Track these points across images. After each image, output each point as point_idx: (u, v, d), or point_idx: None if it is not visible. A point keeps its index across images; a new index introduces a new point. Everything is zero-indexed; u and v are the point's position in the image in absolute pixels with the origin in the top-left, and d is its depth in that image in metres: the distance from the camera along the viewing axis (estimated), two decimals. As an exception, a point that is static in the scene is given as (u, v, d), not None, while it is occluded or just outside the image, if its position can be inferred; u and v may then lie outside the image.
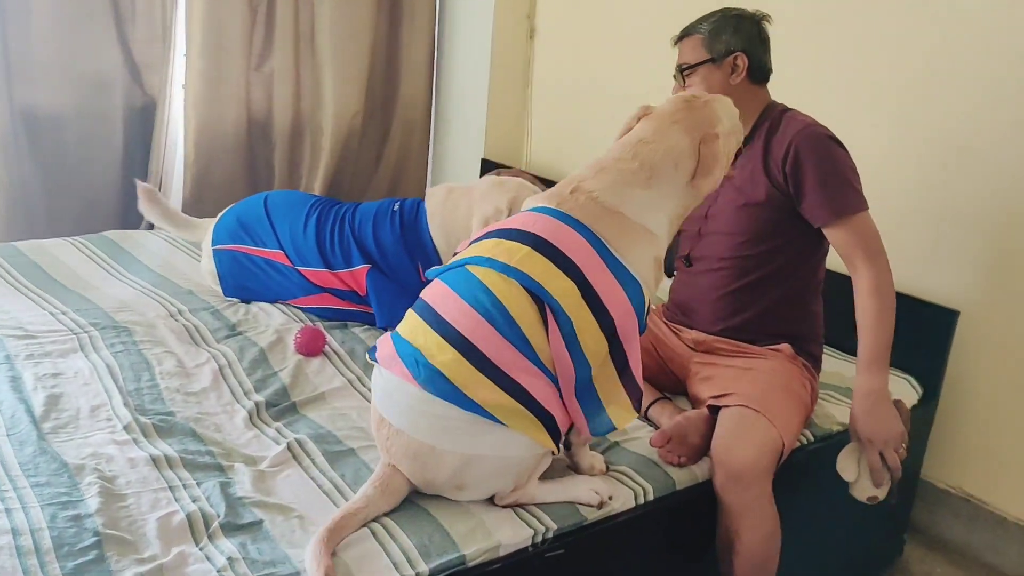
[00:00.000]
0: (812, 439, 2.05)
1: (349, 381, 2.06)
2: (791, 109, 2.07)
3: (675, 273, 2.26)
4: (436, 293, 1.61)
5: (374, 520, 1.53)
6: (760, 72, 2.07)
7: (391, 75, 3.96)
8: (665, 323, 2.24)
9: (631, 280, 1.59)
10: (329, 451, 1.74)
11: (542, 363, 1.54)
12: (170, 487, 1.57)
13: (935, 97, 2.41)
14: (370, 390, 1.76)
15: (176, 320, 2.27)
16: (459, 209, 2.33)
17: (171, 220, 2.69)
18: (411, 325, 1.60)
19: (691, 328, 2.16)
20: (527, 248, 1.57)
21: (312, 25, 3.64)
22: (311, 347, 2.14)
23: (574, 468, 1.75)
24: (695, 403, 2.06)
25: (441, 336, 1.53)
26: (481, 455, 1.53)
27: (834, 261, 2.04)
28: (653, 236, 1.65)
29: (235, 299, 2.45)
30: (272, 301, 2.43)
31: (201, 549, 1.43)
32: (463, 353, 1.50)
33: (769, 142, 2.00)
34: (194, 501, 1.53)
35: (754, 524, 1.76)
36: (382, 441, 1.59)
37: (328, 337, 2.22)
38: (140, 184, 2.68)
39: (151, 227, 3.35)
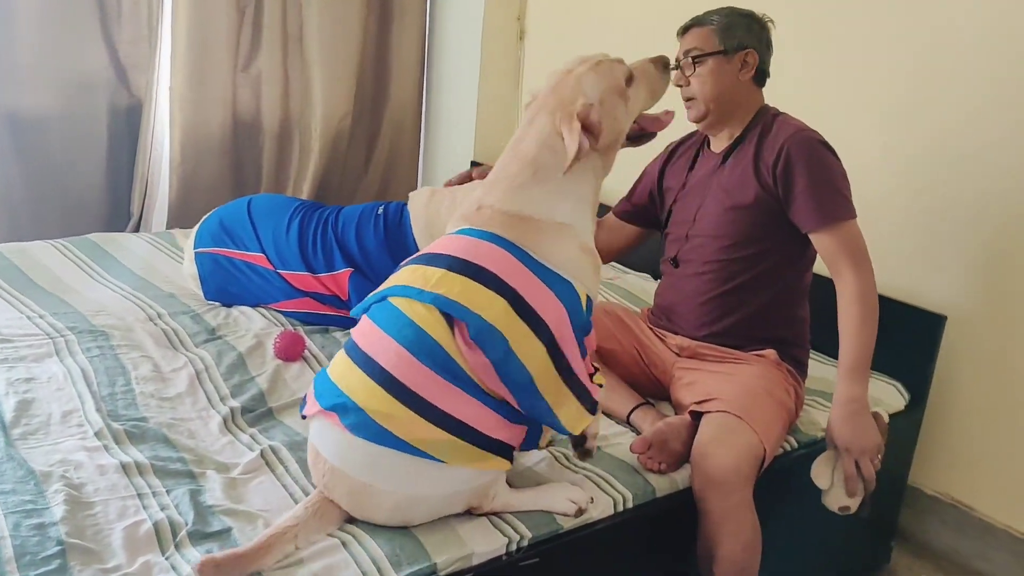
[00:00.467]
0: (796, 446, 2.03)
1: (328, 386, 2.04)
2: (783, 113, 2.05)
3: (661, 276, 2.23)
4: (362, 329, 1.57)
5: (341, 530, 1.51)
6: (762, 74, 2.06)
7: (381, 76, 3.94)
8: (650, 327, 2.21)
9: (559, 281, 1.55)
10: (303, 458, 1.70)
11: (477, 386, 1.48)
12: (139, 495, 1.54)
13: (925, 101, 2.39)
14: None
15: (155, 324, 2.25)
16: (442, 211, 2.30)
17: None
18: (340, 366, 1.54)
19: (675, 333, 2.14)
20: (442, 270, 1.51)
21: (300, 26, 3.62)
22: (290, 352, 2.11)
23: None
24: (678, 409, 2.04)
25: (368, 376, 1.46)
26: (421, 495, 1.49)
27: (821, 264, 2.02)
28: (568, 228, 1.60)
29: (216, 303, 2.43)
30: (253, 305, 2.41)
31: (167, 559, 1.40)
32: (392, 392, 1.44)
33: (761, 145, 1.99)
34: (163, 509, 1.51)
35: (734, 532, 1.74)
36: (318, 477, 1.52)
37: (308, 342, 2.20)
38: None
39: (137, 229, 3.35)
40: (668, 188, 2.22)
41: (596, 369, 1.68)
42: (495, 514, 1.59)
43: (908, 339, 2.32)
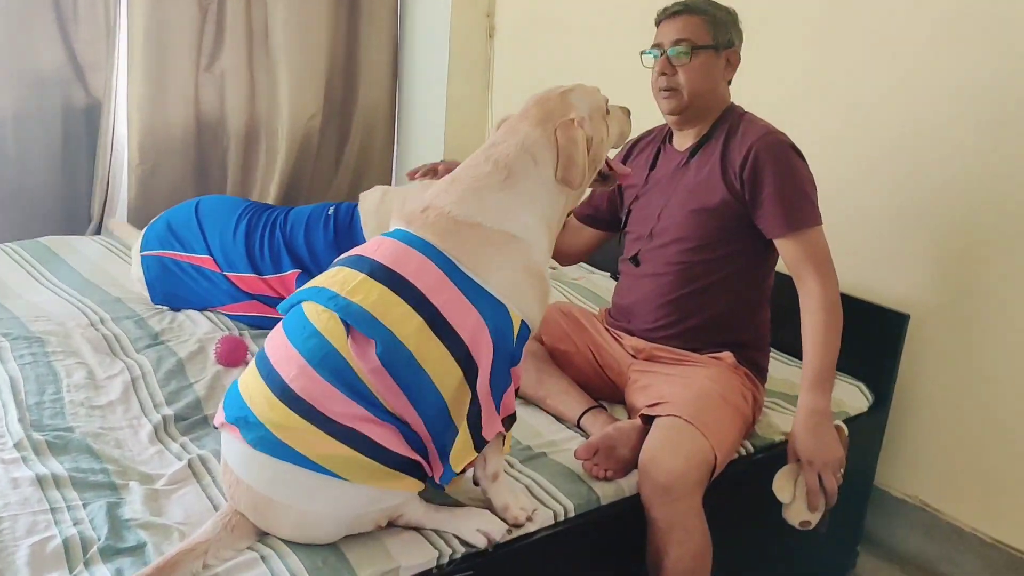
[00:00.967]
0: (752, 450, 1.96)
1: (269, 392, 1.97)
2: (749, 112, 2.00)
3: (619, 276, 2.17)
4: (272, 336, 1.50)
5: (260, 543, 1.44)
6: (733, 73, 2.01)
7: (350, 75, 3.87)
8: (606, 328, 2.15)
9: (490, 302, 1.45)
10: (233, 468, 1.65)
11: (382, 405, 1.40)
12: (52, 509, 1.48)
13: (887, 97, 2.33)
14: None
15: (96, 329, 2.19)
16: (394, 213, 2.24)
17: None
18: (248, 376, 1.46)
19: (631, 334, 2.08)
20: (362, 276, 1.43)
21: (265, 24, 3.55)
22: (232, 357, 2.05)
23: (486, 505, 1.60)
24: (631, 412, 1.98)
25: (271, 389, 1.39)
26: (323, 513, 1.42)
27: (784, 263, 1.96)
28: (518, 242, 1.51)
29: (164, 307, 2.37)
30: (201, 309, 2.35)
31: (74, 576, 1.34)
32: (292, 406, 1.36)
33: (728, 146, 1.93)
34: (75, 524, 1.44)
35: (682, 540, 1.68)
36: (227, 487, 1.46)
37: (251, 346, 2.13)
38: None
39: (98, 232, 3.28)
40: (629, 186, 2.16)
41: (511, 420, 1.57)
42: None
43: (871, 338, 2.27)
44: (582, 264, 3.15)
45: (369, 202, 2.31)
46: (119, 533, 1.44)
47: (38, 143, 3.17)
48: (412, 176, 2.24)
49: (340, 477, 1.37)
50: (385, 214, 2.27)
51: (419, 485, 1.48)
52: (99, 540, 1.41)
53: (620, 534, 1.76)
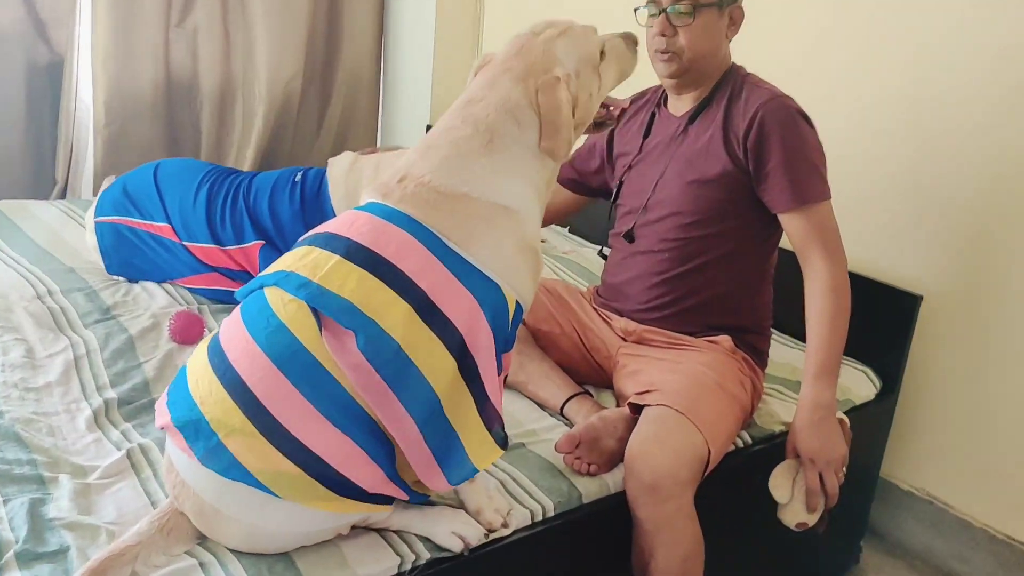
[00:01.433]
0: (751, 441, 1.81)
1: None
2: (752, 74, 1.81)
3: (609, 253, 2.00)
4: (229, 324, 1.32)
5: (201, 547, 1.29)
6: (736, 31, 1.82)
7: (333, 34, 3.67)
8: (594, 308, 1.99)
9: (483, 282, 1.30)
10: (176, 459, 1.49)
11: (356, 407, 1.24)
12: (-34, 506, 1.32)
13: (907, 65, 2.14)
14: None
15: (42, 302, 2.02)
16: (364, 180, 2.07)
17: None
18: (199, 366, 1.29)
19: (621, 315, 1.91)
20: (337, 258, 1.27)
21: (241, -22, 3.35)
22: (187, 334, 1.89)
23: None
24: (620, 400, 1.82)
25: (225, 387, 1.22)
26: (276, 529, 1.26)
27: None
28: (510, 214, 1.35)
29: (121, 278, 2.20)
30: (160, 281, 2.18)
31: (-16, 585, 1.19)
32: (247, 412, 1.20)
33: (730, 111, 1.75)
34: (-8, 524, 1.29)
35: (670, 542, 1.53)
36: (170, 487, 1.30)
37: (210, 323, 1.97)
38: None
39: (63, 196, 3.11)
40: (620, 155, 1.98)
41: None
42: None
43: (880, 321, 2.11)
44: (573, 236, 2.99)
45: (338, 168, 2.14)
46: (40, 535, 1.28)
47: (-1, 103, 2.98)
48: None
49: (289, 500, 1.22)
50: (354, 182, 2.09)
51: (386, 509, 1.32)
52: (16, 543, 1.26)
53: (604, 535, 1.61)
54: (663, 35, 1.74)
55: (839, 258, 1.67)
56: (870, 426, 2.15)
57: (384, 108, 3.91)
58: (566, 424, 1.78)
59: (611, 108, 1.59)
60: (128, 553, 1.22)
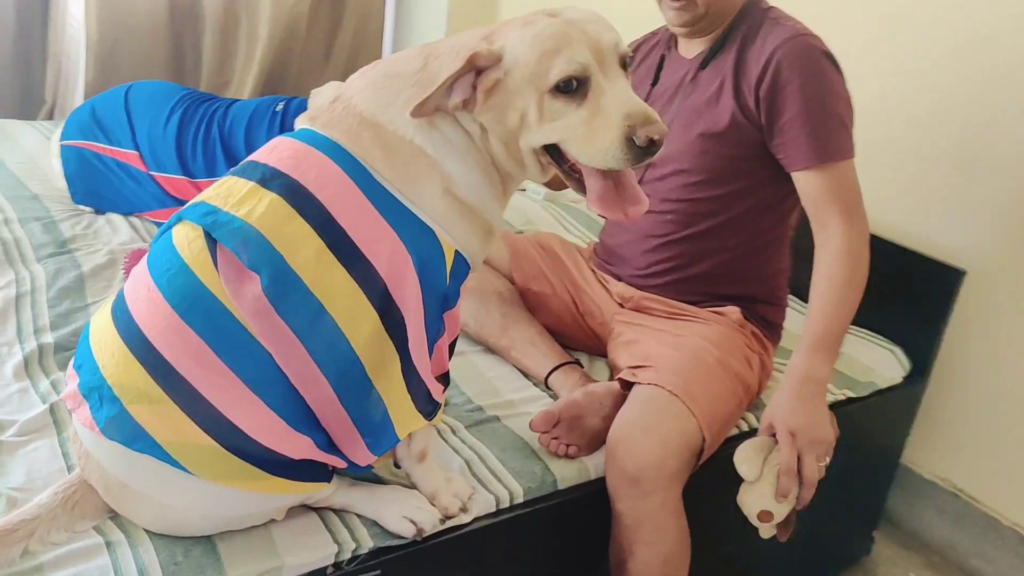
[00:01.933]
0: (756, 424, 1.62)
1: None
2: (774, 8, 1.57)
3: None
4: (135, 273, 1.15)
5: (113, 522, 1.14)
6: None
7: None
8: (592, 269, 1.79)
9: (412, 223, 1.10)
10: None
11: (272, 361, 1.07)
12: None
13: (961, 14, 1.88)
14: None
15: (7, 225, 1.87)
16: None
17: None
18: (101, 329, 1.13)
19: (619, 279, 1.71)
20: (252, 184, 1.10)
21: None
22: (142, 275, 1.72)
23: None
24: (613, 371, 1.64)
25: (127, 344, 1.07)
26: (189, 509, 1.11)
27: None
28: (425, 156, 1.12)
29: (87, 208, 2.04)
30: (126, 213, 2.02)
31: None
32: (152, 372, 1.05)
33: (744, 52, 1.51)
34: None
35: (652, 539, 1.35)
36: (77, 456, 1.16)
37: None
38: None
39: (50, 116, 2.95)
40: None
41: (446, 379, 1.23)
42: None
43: (914, 296, 1.90)
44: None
45: (322, 98, 1.93)
46: (-68, 502, 1.14)
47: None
48: None
49: (201, 477, 1.06)
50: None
51: (320, 487, 1.16)
52: (-99, 509, 1.12)
53: (581, 525, 1.44)
54: None
55: (859, 222, 1.45)
56: (895, 410, 1.95)
57: (396, 35, 3.67)
58: (550, 396, 1.61)
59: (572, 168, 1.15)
60: (22, 529, 1.08)
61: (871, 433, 1.91)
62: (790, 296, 1.76)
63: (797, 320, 1.90)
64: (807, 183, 1.47)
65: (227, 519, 1.13)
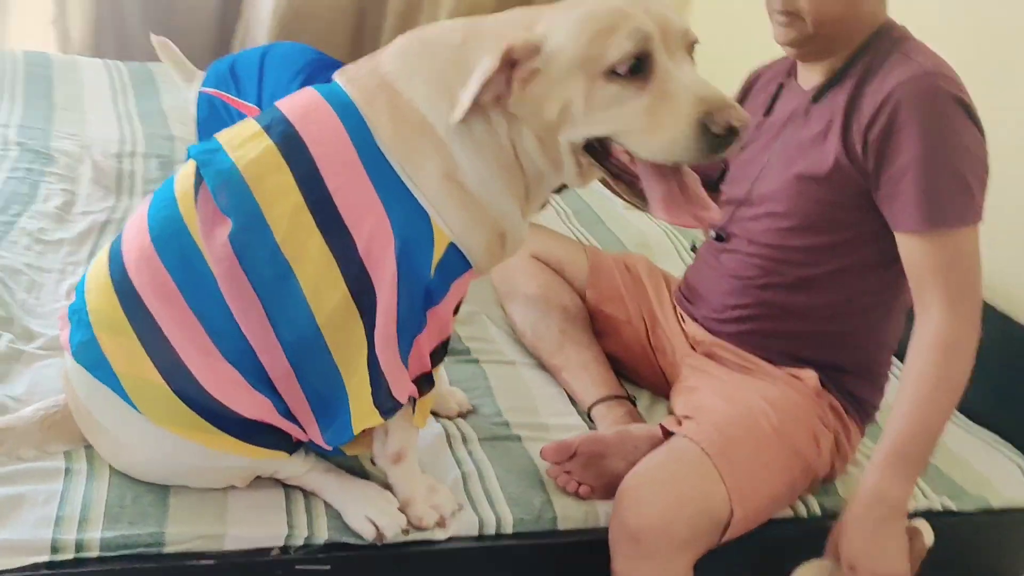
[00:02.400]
0: (819, 513, 1.40)
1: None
2: (911, 39, 1.34)
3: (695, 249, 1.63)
4: (144, 202, 1.13)
5: (86, 451, 1.14)
6: None
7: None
8: (674, 304, 1.62)
9: (404, 200, 1.00)
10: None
11: (230, 322, 1.02)
12: None
13: None
14: None
15: (119, 160, 1.98)
16: None
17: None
18: (102, 255, 1.12)
19: (695, 320, 1.53)
20: (258, 129, 1.04)
21: None
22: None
23: None
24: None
25: (110, 273, 1.06)
26: (138, 449, 1.08)
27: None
28: (434, 134, 1.02)
29: (210, 155, 2.11)
30: (244, 165, 2.07)
31: None
32: (123, 302, 1.03)
33: (863, 87, 1.29)
34: None
35: (645, 613, 1.19)
36: (62, 377, 1.16)
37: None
38: (155, 38, 2.31)
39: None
40: None
41: (428, 381, 1.13)
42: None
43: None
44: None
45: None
46: None
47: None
48: None
49: (147, 416, 1.04)
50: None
51: (276, 456, 1.10)
52: None
53: (578, 574, 1.29)
54: None
55: (966, 309, 1.21)
56: (1013, 535, 1.64)
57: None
58: (591, 427, 1.46)
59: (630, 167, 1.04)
60: None
61: (977, 552, 1.62)
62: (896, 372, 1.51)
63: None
64: (909, 250, 1.24)
65: (174, 470, 1.10)
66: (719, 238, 1.48)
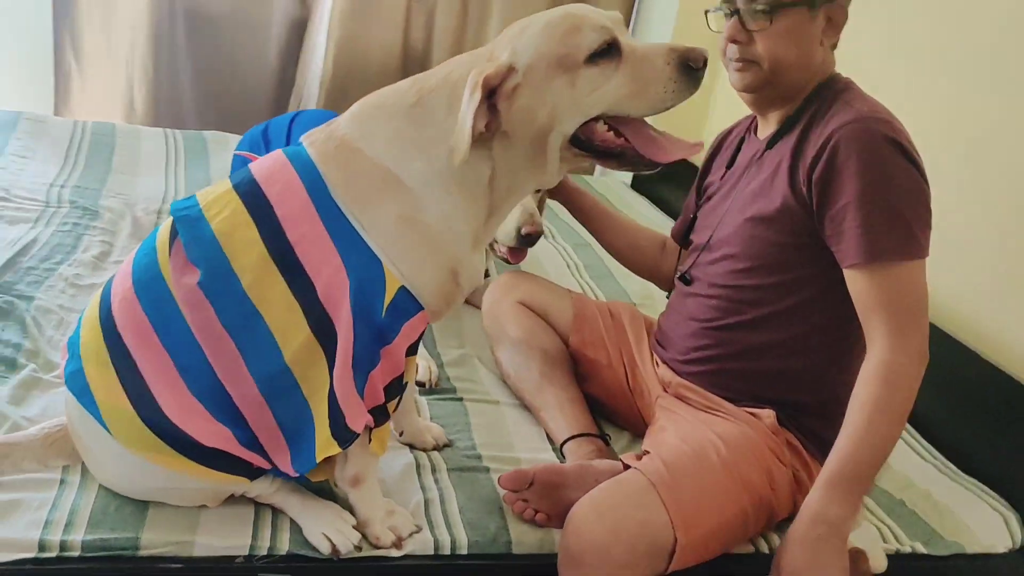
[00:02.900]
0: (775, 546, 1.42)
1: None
2: (855, 87, 1.42)
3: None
4: (132, 253, 1.29)
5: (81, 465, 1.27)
6: (837, 35, 1.45)
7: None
8: (651, 349, 1.69)
9: (360, 251, 1.13)
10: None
11: (200, 366, 1.15)
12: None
13: None
14: None
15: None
16: None
17: None
18: (96, 296, 1.26)
19: (664, 363, 1.60)
20: (229, 187, 1.19)
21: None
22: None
23: None
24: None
25: (99, 313, 1.20)
26: (109, 466, 1.22)
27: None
28: (399, 185, 1.15)
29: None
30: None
31: None
32: (107, 339, 1.17)
33: (808, 132, 1.38)
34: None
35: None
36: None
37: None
38: None
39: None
40: (707, 186, 1.66)
41: (382, 413, 1.22)
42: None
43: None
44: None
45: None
46: None
47: (251, 49, 3.22)
48: None
49: (117, 440, 1.17)
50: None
51: (237, 481, 1.21)
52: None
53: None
54: (735, 41, 1.40)
55: (909, 340, 1.25)
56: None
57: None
58: (562, 462, 1.53)
59: (615, 141, 1.19)
60: (0, 450, 1.24)
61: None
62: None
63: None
64: (855, 284, 1.30)
65: (146, 488, 1.22)
66: (685, 280, 1.56)
